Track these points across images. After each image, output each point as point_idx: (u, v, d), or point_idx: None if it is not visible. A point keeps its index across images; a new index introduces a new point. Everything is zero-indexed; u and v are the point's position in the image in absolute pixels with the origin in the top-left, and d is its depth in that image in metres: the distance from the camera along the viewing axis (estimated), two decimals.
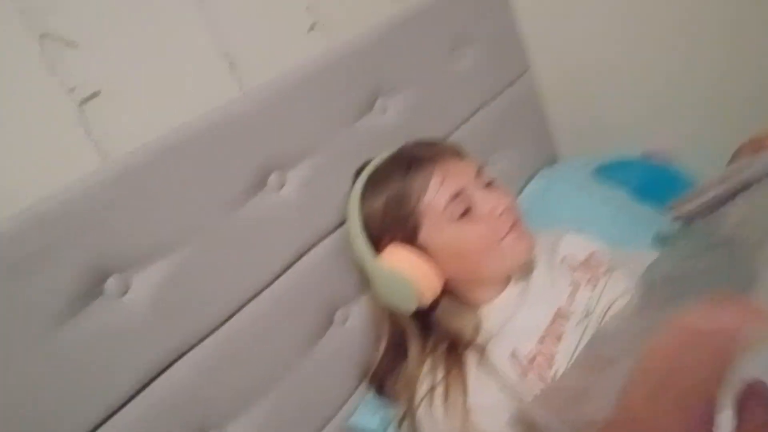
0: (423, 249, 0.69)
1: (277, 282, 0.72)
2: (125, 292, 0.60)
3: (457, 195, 0.68)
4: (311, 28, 0.86)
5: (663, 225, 0.87)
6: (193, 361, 0.64)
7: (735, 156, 0.69)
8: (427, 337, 0.72)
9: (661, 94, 1.13)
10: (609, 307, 0.70)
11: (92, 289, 0.57)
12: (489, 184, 0.72)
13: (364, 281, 0.79)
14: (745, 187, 0.61)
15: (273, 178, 0.73)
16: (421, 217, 0.68)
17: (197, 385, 0.64)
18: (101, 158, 0.64)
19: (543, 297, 0.72)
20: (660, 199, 1.06)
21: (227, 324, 0.68)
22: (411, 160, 0.71)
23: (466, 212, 0.68)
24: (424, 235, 0.69)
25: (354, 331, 0.79)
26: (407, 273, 0.67)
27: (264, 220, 0.72)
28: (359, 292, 0.80)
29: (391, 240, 0.69)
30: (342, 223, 0.78)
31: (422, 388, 0.67)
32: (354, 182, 0.75)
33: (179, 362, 0.63)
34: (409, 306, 0.69)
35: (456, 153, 0.73)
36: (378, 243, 0.70)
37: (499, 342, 0.68)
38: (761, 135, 0.64)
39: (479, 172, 0.72)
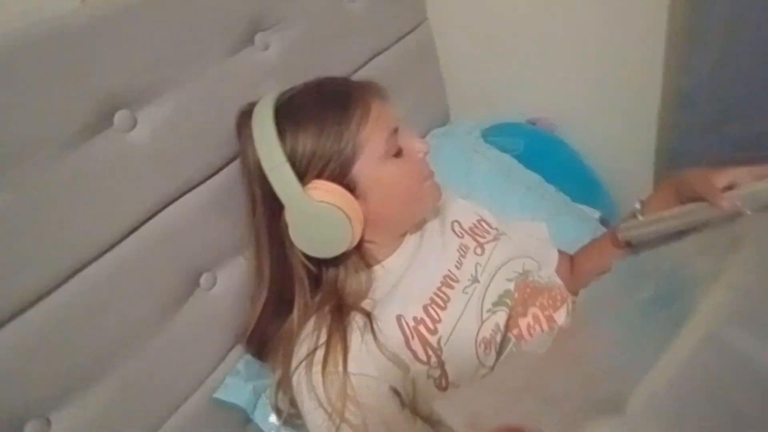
0: (350, 187, 0.62)
1: (126, 241, 0.61)
2: None
3: (393, 133, 0.64)
4: None
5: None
6: (8, 338, 0.51)
7: (658, 189, 0.70)
8: (314, 292, 0.66)
9: (552, 63, 1.13)
10: (493, 276, 0.68)
11: None
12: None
13: (238, 241, 0.70)
14: (696, 228, 0.61)
15: (121, 116, 0.60)
16: (356, 152, 0.61)
17: (17, 371, 0.52)
18: None
19: (432, 261, 0.68)
20: (542, 166, 1.09)
21: (58, 291, 0.55)
22: (346, 92, 0.64)
23: (398, 152, 0.64)
24: (357, 171, 0.62)
25: (222, 297, 0.70)
26: (345, 209, 0.60)
27: (108, 166, 0.59)
28: (230, 255, 0.71)
29: (318, 176, 0.61)
30: (210, 176, 0.68)
31: (302, 350, 0.61)
32: (239, 123, 0.65)
33: None
34: (341, 246, 0.62)
35: (383, 93, 0.67)
36: (301, 179, 0.61)
37: (387, 306, 0.63)
38: (688, 178, 0.63)
39: (398, 117, 0.67)
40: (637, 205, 0.71)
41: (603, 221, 1.03)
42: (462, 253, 0.70)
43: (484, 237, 0.74)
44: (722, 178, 0.58)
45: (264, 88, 0.70)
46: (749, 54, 0.92)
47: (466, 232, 0.74)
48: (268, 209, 0.63)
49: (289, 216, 0.61)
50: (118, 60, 0.59)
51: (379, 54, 0.96)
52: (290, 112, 0.62)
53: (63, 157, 0.55)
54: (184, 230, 0.65)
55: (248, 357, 0.71)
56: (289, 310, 0.65)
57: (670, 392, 0.37)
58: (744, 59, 0.92)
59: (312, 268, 0.64)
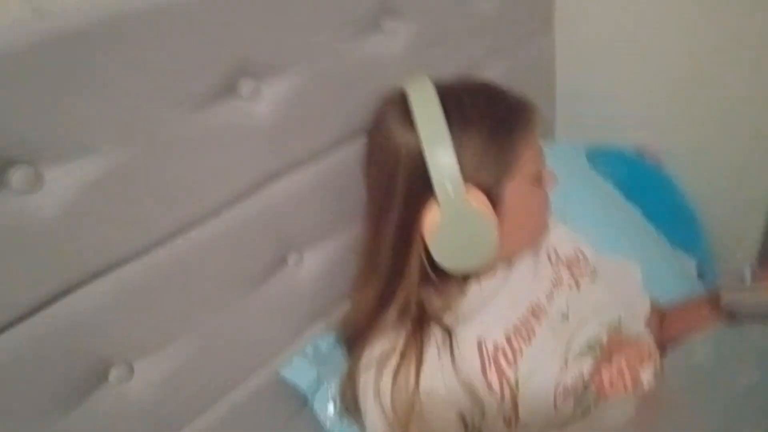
0: (497, 204, 0.58)
1: (231, 209, 0.61)
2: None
3: (542, 160, 0.63)
4: None
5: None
6: (110, 284, 0.53)
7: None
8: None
9: (672, 94, 1.06)
10: (585, 319, 0.64)
11: None
12: None
13: (331, 225, 0.70)
14: None
15: (246, 84, 0.60)
16: (514, 169, 0.59)
17: (108, 311, 0.54)
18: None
19: (522, 288, 0.65)
20: (643, 201, 1.03)
21: (157, 249, 0.56)
22: (515, 104, 0.61)
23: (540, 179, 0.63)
24: (507, 189, 0.58)
25: (307, 278, 0.70)
26: (495, 228, 0.57)
27: (227, 131, 0.59)
28: (321, 238, 0.71)
29: (473, 183, 0.56)
30: (319, 157, 0.67)
31: (375, 350, 0.60)
32: (386, 106, 0.61)
33: (91, 285, 0.52)
34: (480, 262, 0.59)
35: (539, 116, 0.63)
36: None
37: (469, 325, 0.61)
38: None
39: None
40: (747, 271, 0.65)
41: (698, 273, 0.97)
42: (555, 284, 0.67)
43: (581, 272, 0.70)
44: None
45: (387, 75, 0.69)
46: None
47: (562, 262, 0.70)
48: (408, 203, 0.57)
49: (438, 216, 0.55)
50: (252, 29, 0.58)
51: (496, 55, 0.93)
52: (458, 108, 0.57)
53: (189, 117, 0.56)
54: (285, 206, 0.66)
55: (318, 341, 0.72)
56: (384, 305, 0.62)
57: None
58: None
59: (430, 272, 0.60)
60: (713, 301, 0.68)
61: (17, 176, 0.46)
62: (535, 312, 0.63)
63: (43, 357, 0.50)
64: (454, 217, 0.55)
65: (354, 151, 0.70)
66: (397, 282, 0.61)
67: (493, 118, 0.58)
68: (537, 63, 1.03)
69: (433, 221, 0.56)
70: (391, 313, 0.62)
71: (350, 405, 0.64)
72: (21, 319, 0.48)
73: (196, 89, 0.56)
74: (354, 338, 0.66)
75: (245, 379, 0.67)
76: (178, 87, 0.54)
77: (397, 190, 0.58)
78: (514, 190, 0.59)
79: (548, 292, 0.66)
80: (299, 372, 0.69)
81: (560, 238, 0.73)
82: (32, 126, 0.46)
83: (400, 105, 0.58)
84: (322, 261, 0.71)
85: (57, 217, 0.48)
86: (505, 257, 0.66)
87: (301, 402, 0.69)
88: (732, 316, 0.66)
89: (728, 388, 0.49)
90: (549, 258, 0.70)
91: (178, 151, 0.56)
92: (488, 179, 0.57)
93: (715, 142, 1.05)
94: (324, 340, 0.71)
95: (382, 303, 0.62)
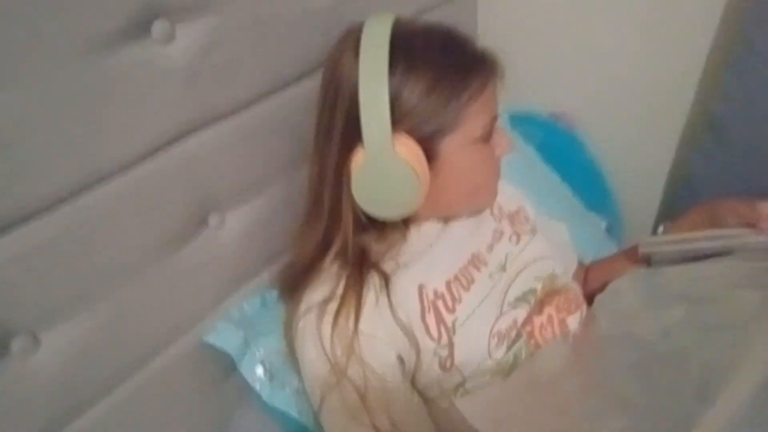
0: (429, 155, 0.56)
1: (143, 163, 0.56)
2: None
3: (493, 120, 0.59)
4: None
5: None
6: (8, 245, 0.48)
7: (688, 214, 0.68)
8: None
9: (586, 63, 1.11)
10: (521, 271, 0.66)
11: None
12: None
13: (254, 184, 0.67)
14: (722, 253, 0.59)
15: (159, 26, 0.54)
16: (456, 124, 0.56)
17: (7, 274, 0.48)
18: None
19: (464, 238, 0.66)
20: (558, 164, 1.07)
21: (61, 206, 0.51)
22: (473, 57, 0.57)
23: (487, 140, 0.60)
24: (445, 144, 0.56)
25: (229, 240, 0.67)
26: (421, 177, 0.54)
27: (138, 75, 0.53)
28: (244, 197, 0.67)
29: (408, 131, 0.54)
30: (241, 109, 0.63)
31: (315, 295, 0.59)
32: (342, 43, 0.57)
33: None
34: (401, 213, 0.58)
35: (502, 74, 0.60)
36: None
37: (410, 272, 0.61)
38: (727, 203, 0.63)
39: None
40: (661, 229, 0.70)
41: (608, 231, 1.03)
42: (496, 237, 0.69)
43: (522, 228, 0.72)
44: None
45: (317, 25, 0.67)
46: None
47: (505, 216, 0.72)
48: (344, 141, 0.56)
49: (363, 162, 0.54)
50: None
51: (422, 13, 0.92)
52: (409, 50, 0.54)
53: (95, 60, 0.50)
54: (204, 163, 0.61)
55: (244, 304, 0.69)
56: (325, 249, 0.62)
57: None
58: None
59: (362, 217, 0.59)
60: (630, 253, 0.72)
61: None
62: (475, 262, 0.65)
63: None
64: (376, 161, 0.54)
65: (281, 104, 0.66)
66: (335, 225, 0.60)
67: (442, 66, 0.55)
68: (458, 20, 1.02)
69: (357, 163, 0.55)
70: (330, 257, 0.61)
71: (293, 352, 0.62)
72: None
73: (105, 29, 0.50)
74: (293, 286, 0.63)
75: (166, 347, 0.63)
76: (84, 26, 0.48)
77: (336, 126, 0.56)
78: (454, 145, 0.57)
79: (489, 244, 0.67)
80: (225, 336, 0.66)
81: (504, 194, 0.74)
82: None
83: (355, 38, 0.55)
84: (246, 222, 0.68)
85: None
86: (441, 216, 0.66)
87: (228, 367, 0.66)
88: (649, 264, 0.70)
89: (657, 322, 0.52)
90: (492, 212, 0.71)
91: (83, 97, 0.50)
92: (426, 129, 0.55)
93: (622, 109, 1.12)
94: (249, 303, 0.69)
95: (323, 247, 0.62)
